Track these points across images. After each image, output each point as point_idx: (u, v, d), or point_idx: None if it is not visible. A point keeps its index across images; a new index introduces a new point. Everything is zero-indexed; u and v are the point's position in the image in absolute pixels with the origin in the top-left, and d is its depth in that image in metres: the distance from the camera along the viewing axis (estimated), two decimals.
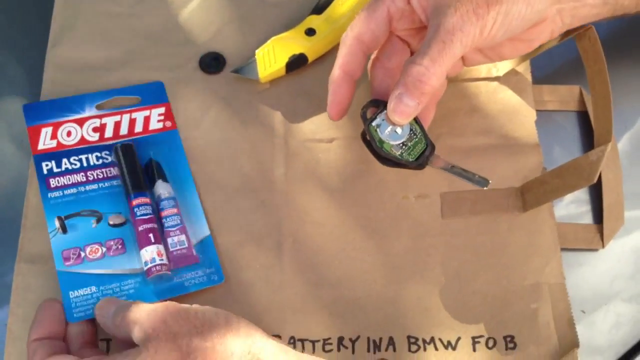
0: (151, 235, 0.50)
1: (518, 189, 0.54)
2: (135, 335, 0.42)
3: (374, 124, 0.48)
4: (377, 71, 0.51)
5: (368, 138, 0.48)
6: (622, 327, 0.52)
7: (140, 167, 0.53)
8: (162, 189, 0.52)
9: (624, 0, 0.49)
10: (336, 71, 0.49)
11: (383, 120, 0.48)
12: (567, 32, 0.50)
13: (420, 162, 0.48)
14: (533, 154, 0.55)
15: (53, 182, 0.52)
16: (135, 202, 0.51)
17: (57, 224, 0.51)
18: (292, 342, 0.49)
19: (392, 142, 0.48)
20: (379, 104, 0.49)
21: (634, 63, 0.61)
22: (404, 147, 0.48)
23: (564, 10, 0.47)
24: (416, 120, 0.48)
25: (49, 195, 0.52)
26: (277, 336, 0.49)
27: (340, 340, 0.49)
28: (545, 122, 0.57)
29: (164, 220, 0.51)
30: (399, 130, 0.48)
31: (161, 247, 0.50)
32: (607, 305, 0.53)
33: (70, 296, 0.49)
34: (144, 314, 0.42)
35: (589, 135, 0.57)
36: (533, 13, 0.45)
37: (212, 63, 0.58)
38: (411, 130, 0.48)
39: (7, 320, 0.49)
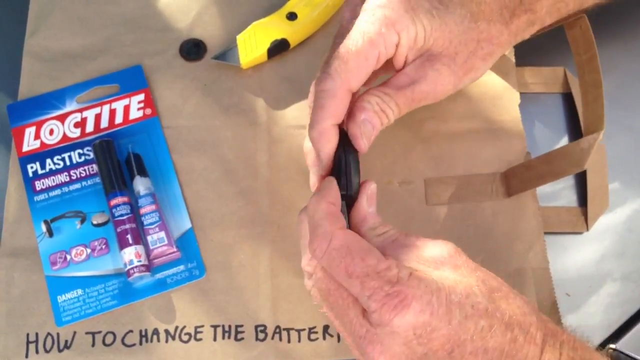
0: (129, 236, 0.50)
1: (502, 174, 0.53)
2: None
3: None
4: None
5: None
6: (615, 307, 0.52)
7: (118, 164, 0.52)
8: (140, 185, 0.52)
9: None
10: (325, 123, 0.42)
11: None
12: (558, 20, 0.50)
13: None
14: (517, 139, 0.55)
15: (38, 185, 0.52)
16: (113, 202, 0.51)
17: (43, 228, 0.51)
18: (278, 331, 0.49)
19: None
20: None
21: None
22: None
23: None
24: None
25: (35, 199, 0.52)
26: (262, 325, 0.49)
27: (326, 328, 0.49)
28: (529, 104, 0.57)
29: (142, 218, 0.51)
30: None
31: (140, 247, 0.50)
32: (596, 287, 0.53)
33: (58, 300, 0.49)
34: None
35: (574, 118, 0.57)
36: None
37: (192, 50, 0.57)
38: None
39: None
